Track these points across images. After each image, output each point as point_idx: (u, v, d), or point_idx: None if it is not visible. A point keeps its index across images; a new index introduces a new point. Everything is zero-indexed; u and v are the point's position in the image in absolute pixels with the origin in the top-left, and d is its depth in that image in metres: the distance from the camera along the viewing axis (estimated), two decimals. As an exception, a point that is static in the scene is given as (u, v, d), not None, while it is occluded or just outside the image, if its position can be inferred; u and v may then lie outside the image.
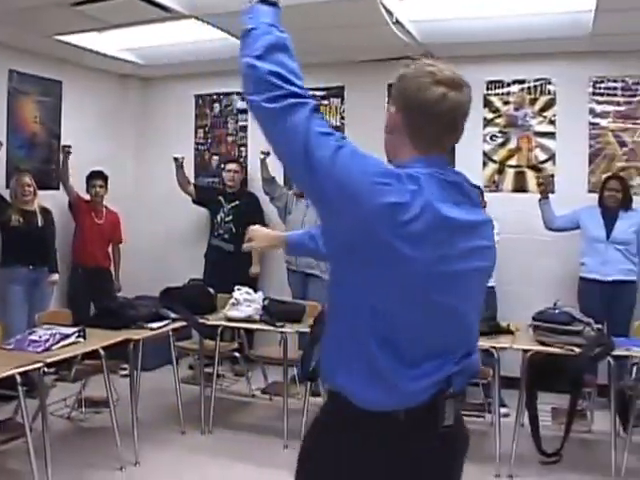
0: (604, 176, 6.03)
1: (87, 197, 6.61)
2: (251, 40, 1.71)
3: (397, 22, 5.30)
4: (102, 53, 6.54)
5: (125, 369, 5.52)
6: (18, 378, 3.61)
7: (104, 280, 6.61)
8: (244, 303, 5.05)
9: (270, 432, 5.11)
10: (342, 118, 6.99)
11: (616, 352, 4.30)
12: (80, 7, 5.00)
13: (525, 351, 4.40)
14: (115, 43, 6.31)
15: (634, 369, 4.62)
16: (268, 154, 6.46)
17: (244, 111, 7.31)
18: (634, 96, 6.18)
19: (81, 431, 5.10)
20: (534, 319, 4.47)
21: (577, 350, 4.22)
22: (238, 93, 7.31)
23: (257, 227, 2.87)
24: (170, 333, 5.02)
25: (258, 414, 5.71)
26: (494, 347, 4.43)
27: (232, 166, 6.94)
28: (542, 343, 4.41)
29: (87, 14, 5.15)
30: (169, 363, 5.32)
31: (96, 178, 6.57)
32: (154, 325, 4.77)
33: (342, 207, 1.58)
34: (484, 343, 4.25)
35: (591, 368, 4.65)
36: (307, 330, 4.79)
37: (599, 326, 4.48)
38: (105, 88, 7.41)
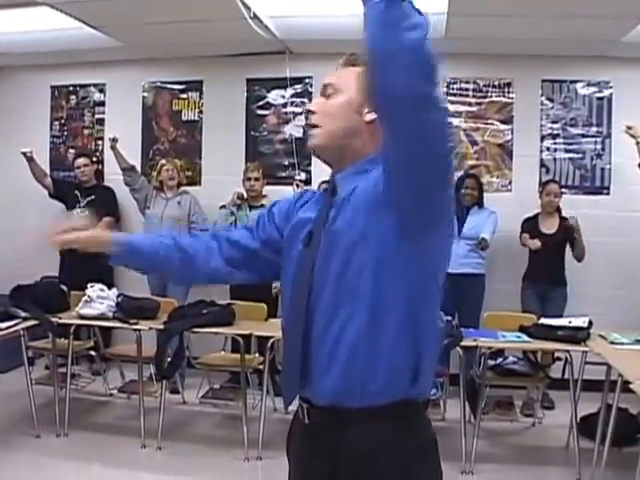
0: (460, 174, 6.25)
1: None
2: (408, 12, 1.34)
3: (255, 17, 5.30)
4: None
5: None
6: None
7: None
8: (97, 300, 4.91)
9: (127, 432, 4.99)
10: (200, 112, 6.92)
11: (464, 343, 4.48)
12: None
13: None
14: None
15: (482, 359, 4.80)
16: (115, 140, 6.29)
17: (101, 103, 7.15)
18: (484, 97, 6.47)
19: None
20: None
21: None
22: (95, 85, 7.15)
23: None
24: (22, 333, 4.80)
25: (115, 413, 5.57)
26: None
27: (80, 161, 6.70)
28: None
29: None
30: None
31: None
32: (3, 325, 4.56)
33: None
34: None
35: (441, 359, 4.81)
36: (161, 327, 4.74)
37: (449, 318, 4.64)
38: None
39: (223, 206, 6.04)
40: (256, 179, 6.03)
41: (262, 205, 5.96)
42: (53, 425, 4.93)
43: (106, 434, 5.04)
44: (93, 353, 5.83)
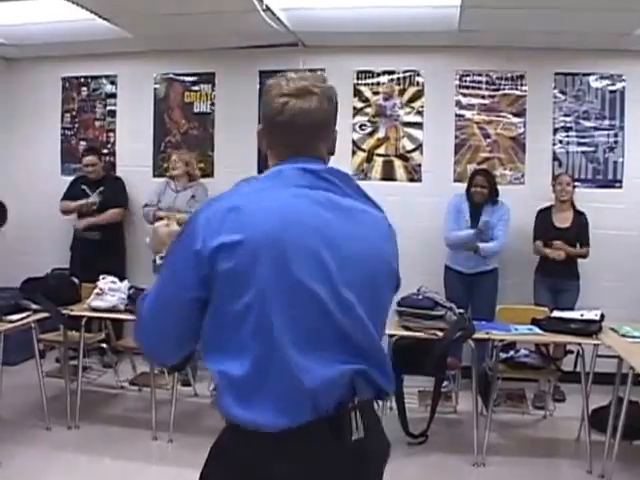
0: (471, 169, 6.22)
1: None
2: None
3: (267, 9, 5.27)
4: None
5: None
6: None
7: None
8: (109, 293, 4.90)
9: (138, 424, 5.00)
10: (212, 105, 6.90)
11: (477, 335, 4.47)
12: None
13: (390, 336, 4.44)
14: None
15: (494, 352, 4.79)
16: None
17: (113, 95, 7.12)
18: (497, 90, 6.43)
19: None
20: (399, 305, 4.53)
21: (440, 334, 4.35)
22: (107, 77, 7.13)
23: None
24: (33, 325, 4.80)
25: (127, 406, 5.58)
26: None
27: (88, 159, 6.59)
28: (407, 328, 4.53)
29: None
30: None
31: None
32: (14, 317, 4.56)
33: None
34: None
35: (453, 351, 4.81)
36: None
37: (461, 310, 4.64)
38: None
39: None
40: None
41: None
42: (64, 418, 4.94)
43: (117, 427, 5.04)
44: (104, 345, 5.80)
